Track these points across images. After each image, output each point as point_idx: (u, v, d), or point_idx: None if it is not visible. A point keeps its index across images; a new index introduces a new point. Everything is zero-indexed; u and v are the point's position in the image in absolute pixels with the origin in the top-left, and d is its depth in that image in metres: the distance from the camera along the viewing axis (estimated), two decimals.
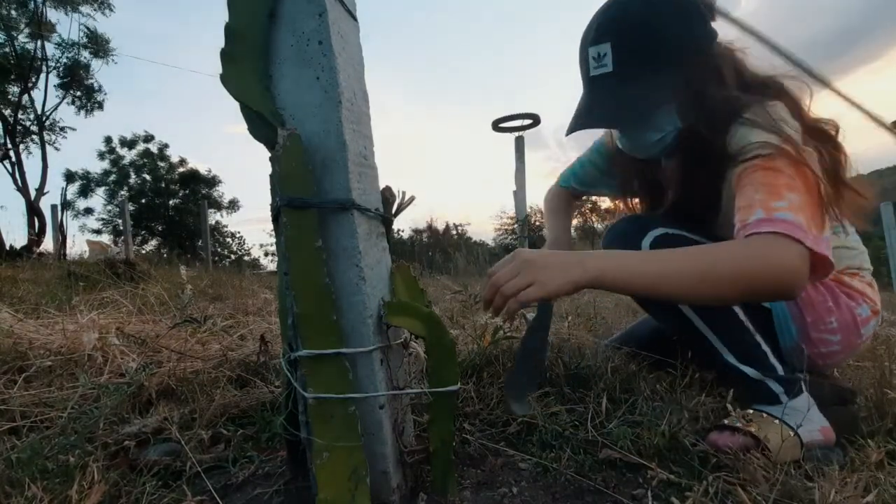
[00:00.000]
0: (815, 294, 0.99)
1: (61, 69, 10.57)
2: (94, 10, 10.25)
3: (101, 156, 18.29)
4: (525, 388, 0.84)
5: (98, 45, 10.83)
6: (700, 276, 0.74)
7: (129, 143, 18.74)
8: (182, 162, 19.58)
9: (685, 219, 1.00)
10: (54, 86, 10.59)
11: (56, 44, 10.35)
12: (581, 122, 0.95)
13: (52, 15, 9.93)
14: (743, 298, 0.83)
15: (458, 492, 0.80)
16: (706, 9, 0.90)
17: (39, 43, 9.45)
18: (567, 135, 1.00)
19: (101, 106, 11.80)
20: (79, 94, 11.27)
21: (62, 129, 10.92)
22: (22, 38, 9.62)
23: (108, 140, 18.46)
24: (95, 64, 11.11)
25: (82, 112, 11.61)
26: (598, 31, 0.91)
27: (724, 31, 0.93)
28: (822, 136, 0.90)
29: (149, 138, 19.06)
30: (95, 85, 11.47)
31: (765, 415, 0.87)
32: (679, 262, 0.76)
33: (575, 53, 1.00)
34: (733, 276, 0.74)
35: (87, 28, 10.63)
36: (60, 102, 10.68)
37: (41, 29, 9.33)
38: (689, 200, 1.02)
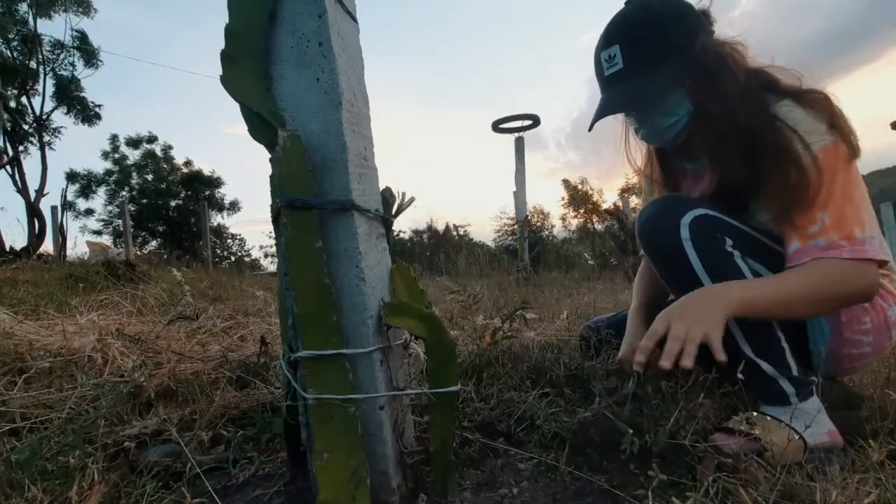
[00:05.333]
0: None
1: (52, 77, 10.64)
2: (78, 13, 10.36)
3: (106, 155, 18.23)
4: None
5: (88, 46, 10.88)
6: (815, 298, 0.89)
7: (134, 143, 18.67)
8: (188, 164, 19.53)
9: (722, 208, 1.02)
10: (50, 96, 10.69)
11: (50, 45, 10.41)
12: (600, 113, 1.03)
13: (40, 25, 9.95)
14: (835, 311, 0.96)
15: (458, 492, 0.80)
16: (702, 14, 0.98)
17: (34, 46, 9.50)
18: (590, 129, 1.06)
19: (97, 116, 11.85)
20: (74, 105, 11.34)
21: (55, 129, 10.98)
22: (15, 44, 9.70)
23: (114, 138, 18.40)
24: (86, 72, 11.20)
25: (80, 122, 11.69)
26: (607, 37, 1.00)
27: (721, 29, 1.01)
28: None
29: (152, 139, 19.01)
30: (89, 99, 11.58)
31: (769, 417, 0.87)
32: (794, 288, 0.89)
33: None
34: (831, 299, 0.90)
35: (77, 31, 10.73)
36: (54, 110, 10.76)
37: (35, 31, 9.37)
38: (727, 188, 1.03)
